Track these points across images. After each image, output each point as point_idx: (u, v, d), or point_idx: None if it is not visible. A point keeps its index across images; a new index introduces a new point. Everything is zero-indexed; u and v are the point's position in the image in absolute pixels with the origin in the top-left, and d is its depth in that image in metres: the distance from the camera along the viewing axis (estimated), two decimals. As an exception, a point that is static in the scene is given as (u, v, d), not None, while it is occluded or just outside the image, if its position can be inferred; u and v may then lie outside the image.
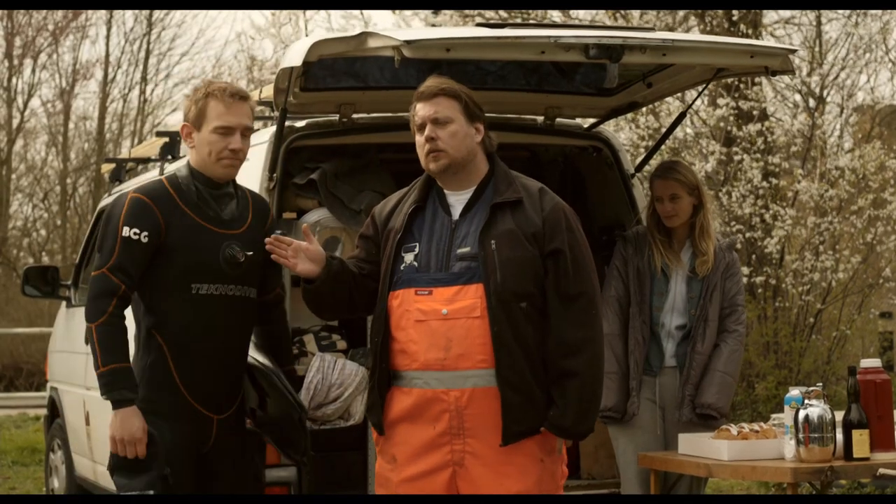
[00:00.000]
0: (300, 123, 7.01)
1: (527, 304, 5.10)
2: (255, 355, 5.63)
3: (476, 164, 5.26)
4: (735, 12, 14.94)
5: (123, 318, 5.29)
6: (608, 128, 7.72)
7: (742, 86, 14.46)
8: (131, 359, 5.37)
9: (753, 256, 14.46)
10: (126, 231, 5.28)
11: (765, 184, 14.34)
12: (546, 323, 5.14)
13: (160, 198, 5.38)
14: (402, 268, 5.18)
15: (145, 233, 5.29)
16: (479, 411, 5.10)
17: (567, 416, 5.11)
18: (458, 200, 5.24)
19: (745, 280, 14.17)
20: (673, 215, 6.59)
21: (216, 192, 5.47)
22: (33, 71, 29.13)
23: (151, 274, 5.35)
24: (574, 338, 5.12)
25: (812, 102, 15.44)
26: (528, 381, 5.09)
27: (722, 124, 14.61)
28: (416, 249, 5.18)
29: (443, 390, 5.10)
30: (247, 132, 5.50)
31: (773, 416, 6.32)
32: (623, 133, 14.82)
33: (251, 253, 5.44)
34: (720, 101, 14.43)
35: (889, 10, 14.98)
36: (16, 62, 28.55)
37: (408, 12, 17.07)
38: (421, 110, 5.24)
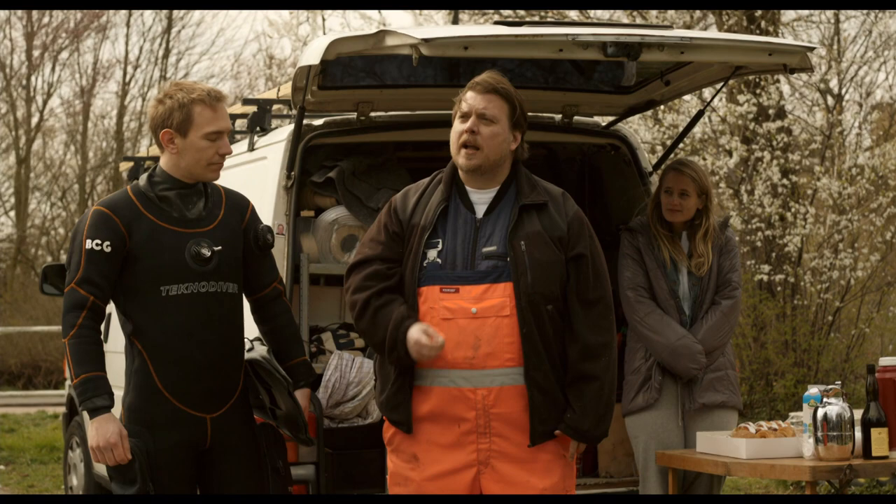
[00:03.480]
0: (318, 122, 7.01)
1: (552, 307, 5.13)
2: (258, 351, 5.61)
3: (503, 167, 5.27)
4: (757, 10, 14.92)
5: (95, 329, 5.31)
6: (626, 126, 7.71)
7: (763, 83, 14.44)
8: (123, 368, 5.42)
9: (773, 255, 14.44)
10: (89, 244, 5.31)
11: (785, 181, 14.32)
12: (566, 327, 5.17)
13: (121, 207, 5.38)
14: (425, 264, 5.16)
15: (107, 242, 5.30)
16: (505, 409, 5.12)
17: (585, 418, 5.16)
18: (480, 199, 5.24)
19: (764, 278, 14.15)
20: (677, 210, 6.61)
21: (182, 192, 5.44)
22: (53, 70, 29.23)
23: (122, 282, 5.37)
24: (595, 342, 5.17)
25: (830, 100, 15.40)
26: (551, 382, 5.14)
27: (740, 122, 14.58)
28: (440, 246, 5.17)
29: (470, 389, 5.11)
30: (229, 134, 5.49)
31: (792, 414, 6.32)
32: (649, 133, 14.81)
33: (220, 248, 5.42)
34: (740, 98, 14.40)
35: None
36: (35, 61, 28.63)
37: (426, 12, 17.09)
38: (471, 100, 5.20)
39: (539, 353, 5.10)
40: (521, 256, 5.10)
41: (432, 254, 5.17)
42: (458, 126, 5.21)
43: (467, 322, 5.09)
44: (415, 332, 5.04)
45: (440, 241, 5.17)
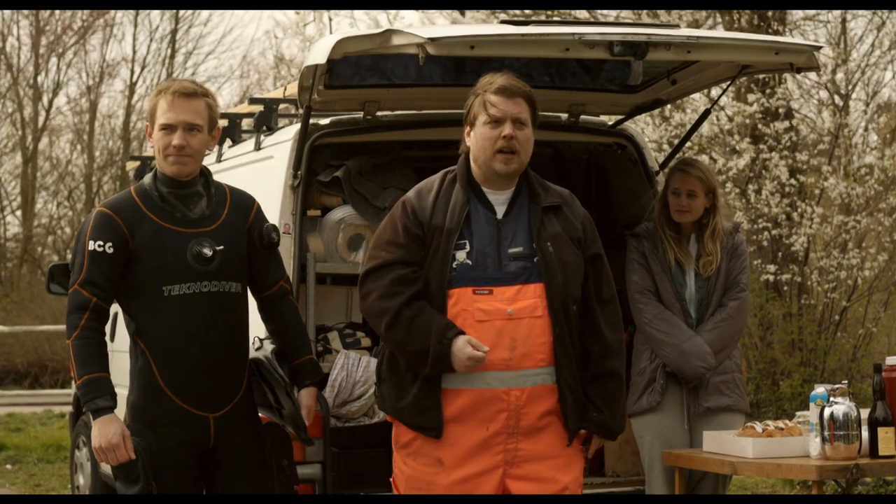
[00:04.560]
0: (324, 121, 7.01)
1: (576, 307, 5.19)
2: (263, 350, 5.61)
3: None
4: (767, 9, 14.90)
5: (98, 330, 5.32)
6: (632, 125, 7.71)
7: (772, 83, 14.44)
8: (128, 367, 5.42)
9: (780, 254, 14.43)
10: (91, 245, 5.33)
11: (793, 181, 14.30)
12: (584, 325, 5.23)
13: (124, 208, 5.40)
14: (454, 265, 5.15)
15: (109, 244, 5.32)
16: (534, 409, 5.16)
17: (613, 416, 5.25)
18: (498, 200, 5.24)
19: (771, 278, 14.14)
20: (686, 211, 6.61)
21: (182, 193, 5.45)
22: (59, 69, 29.26)
23: (125, 282, 5.38)
24: (614, 339, 5.26)
25: (838, 100, 15.38)
26: (577, 381, 5.21)
27: (748, 121, 14.57)
28: (467, 247, 5.16)
29: (504, 390, 5.13)
30: (191, 128, 5.40)
31: (799, 413, 6.32)
32: (656, 132, 14.79)
33: (222, 247, 5.43)
34: (750, 98, 14.38)
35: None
36: (41, 60, 28.66)
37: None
38: (503, 105, 5.17)
39: (568, 353, 5.16)
40: (549, 257, 5.13)
41: (461, 255, 5.15)
42: (488, 132, 5.17)
43: (504, 323, 5.10)
44: (465, 349, 5.02)
45: (466, 242, 5.16)
